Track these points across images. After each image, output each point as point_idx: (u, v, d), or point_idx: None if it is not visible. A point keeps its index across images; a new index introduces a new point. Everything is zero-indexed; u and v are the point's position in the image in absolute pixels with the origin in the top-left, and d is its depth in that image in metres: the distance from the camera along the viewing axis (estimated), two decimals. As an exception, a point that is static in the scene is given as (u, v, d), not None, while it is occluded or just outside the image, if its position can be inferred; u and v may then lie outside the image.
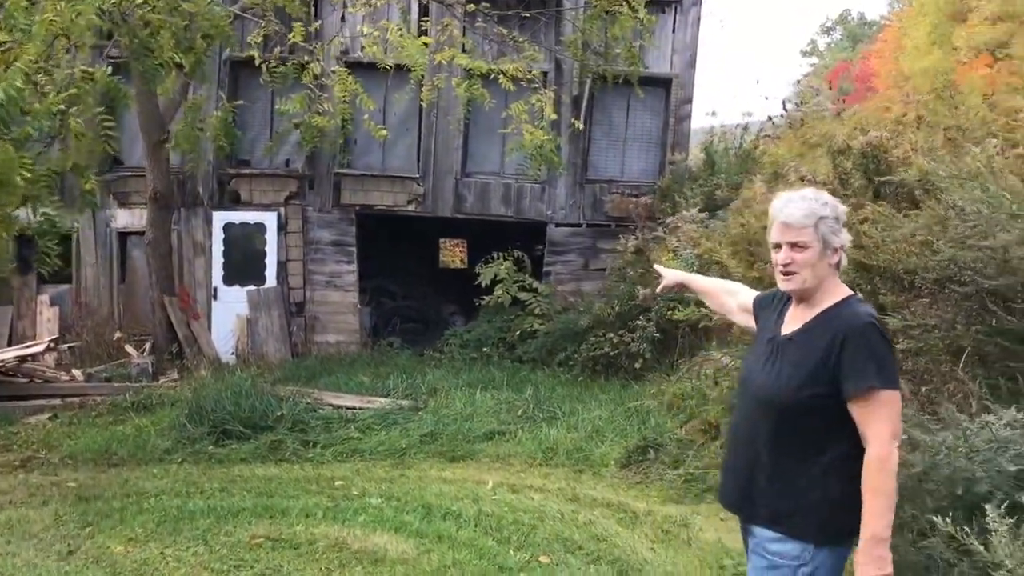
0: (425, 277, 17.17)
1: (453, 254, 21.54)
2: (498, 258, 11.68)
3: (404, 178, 12.91)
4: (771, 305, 2.88)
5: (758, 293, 3.09)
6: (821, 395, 2.51)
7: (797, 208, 2.60)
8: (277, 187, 12.84)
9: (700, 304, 6.70)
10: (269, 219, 12.74)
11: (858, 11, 50.16)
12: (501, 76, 9.63)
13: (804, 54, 51.25)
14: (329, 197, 12.86)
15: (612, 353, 10.01)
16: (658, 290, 3.64)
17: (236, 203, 12.81)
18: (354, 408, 8.99)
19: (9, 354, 10.23)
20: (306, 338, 12.88)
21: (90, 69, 7.85)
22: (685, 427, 6.92)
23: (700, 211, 9.70)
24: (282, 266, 12.81)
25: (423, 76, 9.95)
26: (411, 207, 12.95)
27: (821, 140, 6.84)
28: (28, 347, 10.65)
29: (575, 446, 7.63)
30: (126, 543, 5.40)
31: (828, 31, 49.38)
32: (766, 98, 48.65)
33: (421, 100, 10.81)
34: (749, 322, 3.06)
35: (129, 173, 12.59)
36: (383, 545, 5.32)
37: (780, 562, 2.59)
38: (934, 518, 3.03)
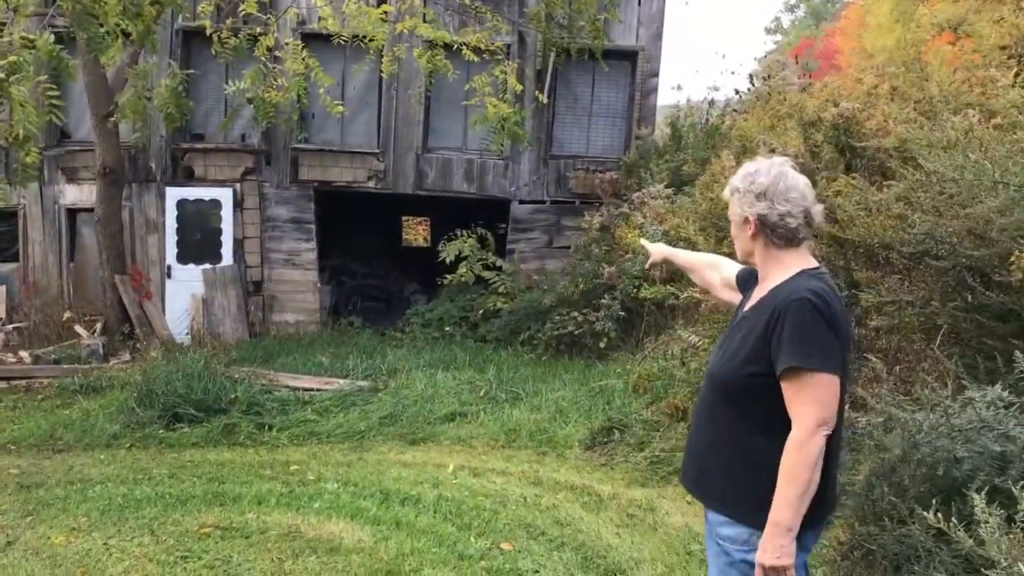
0: (387, 255, 17.00)
1: (416, 232, 21.35)
2: (461, 236, 11.46)
3: (364, 153, 12.59)
4: (748, 282, 2.76)
5: (741, 267, 2.92)
6: (761, 374, 2.38)
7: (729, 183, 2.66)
8: (233, 162, 12.45)
9: (666, 282, 6.53)
10: (225, 195, 12.37)
11: (821, -11, 50.47)
12: (464, 47, 9.33)
13: (768, 31, 51.62)
14: (287, 173, 12.53)
15: (576, 332, 9.83)
16: (646, 266, 3.58)
17: (190, 179, 12.42)
18: (311, 390, 8.80)
19: (-49, 336, 9.91)
20: (264, 318, 12.57)
21: (31, 36, 7.48)
22: (651, 408, 6.76)
23: (666, 187, 9.54)
24: (239, 244, 12.47)
25: (383, 47, 9.63)
26: (371, 183, 12.65)
27: (791, 111, 6.68)
28: (-29, 328, 10.33)
29: (538, 427, 7.48)
30: (68, 533, 5.20)
31: (792, 8, 49.69)
32: (732, 73, 48.85)
33: (381, 72, 10.48)
34: (733, 297, 2.92)
35: (77, 147, 12.20)
36: (338, 533, 5.14)
37: (728, 547, 2.48)
38: (915, 507, 2.90)
